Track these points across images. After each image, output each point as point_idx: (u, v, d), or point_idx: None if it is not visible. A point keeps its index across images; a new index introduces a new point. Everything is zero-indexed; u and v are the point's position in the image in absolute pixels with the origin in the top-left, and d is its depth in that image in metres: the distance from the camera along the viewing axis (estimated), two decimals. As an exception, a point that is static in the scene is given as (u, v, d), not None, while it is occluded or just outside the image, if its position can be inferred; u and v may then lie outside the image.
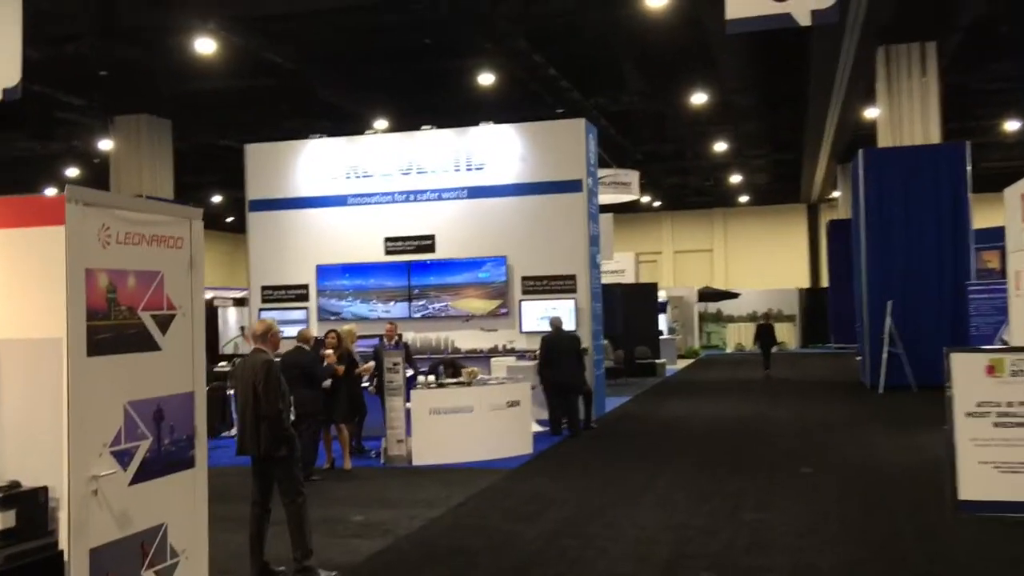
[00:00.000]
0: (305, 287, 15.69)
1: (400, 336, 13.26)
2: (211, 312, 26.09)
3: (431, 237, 15.28)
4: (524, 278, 14.88)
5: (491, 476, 9.92)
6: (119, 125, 22.60)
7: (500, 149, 15.11)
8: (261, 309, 15.89)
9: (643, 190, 36.39)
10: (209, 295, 26.98)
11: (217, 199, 34.87)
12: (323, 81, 20.02)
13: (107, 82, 20.71)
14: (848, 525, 7.58)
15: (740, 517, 7.88)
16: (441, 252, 15.22)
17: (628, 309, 23.57)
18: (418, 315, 15.21)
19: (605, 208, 25.93)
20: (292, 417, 6.56)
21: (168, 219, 4.72)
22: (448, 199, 15.26)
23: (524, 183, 14.98)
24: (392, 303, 15.30)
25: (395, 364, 10.82)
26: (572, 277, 14.70)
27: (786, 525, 7.55)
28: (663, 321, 28.73)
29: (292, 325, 15.25)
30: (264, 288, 15.93)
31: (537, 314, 14.63)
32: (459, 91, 20.79)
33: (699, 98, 22.99)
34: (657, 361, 23.88)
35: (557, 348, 12.97)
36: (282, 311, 15.71)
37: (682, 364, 27.69)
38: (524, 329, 14.79)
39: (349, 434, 11.61)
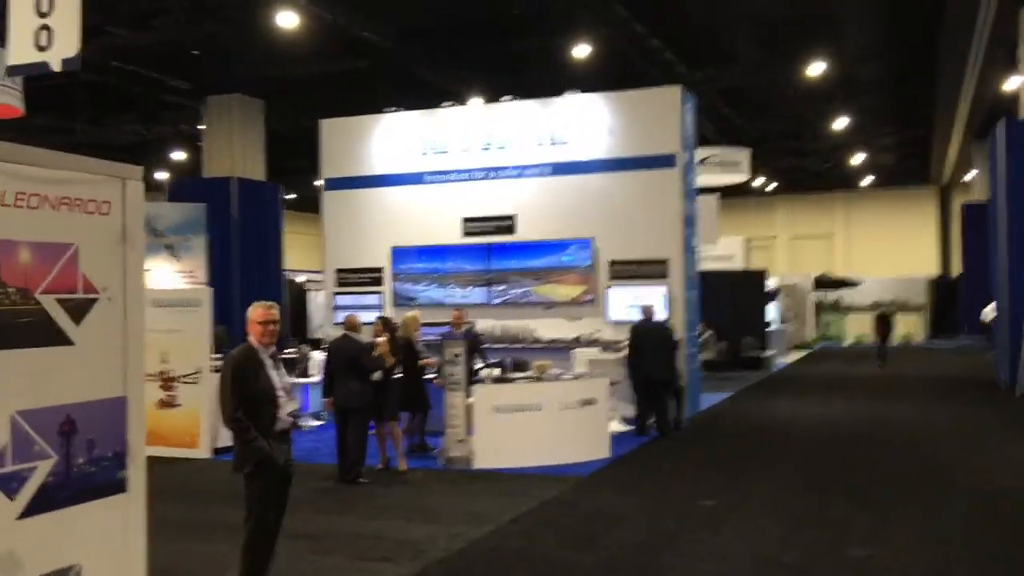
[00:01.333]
0: (379, 270, 14.84)
1: (472, 324, 12.17)
2: (301, 296, 25.82)
3: (511, 217, 14.16)
4: (612, 262, 13.61)
5: (557, 485, 8.76)
6: (211, 106, 22.32)
7: (586, 122, 13.84)
8: (336, 293, 15.14)
9: (756, 172, 34.30)
10: (302, 278, 26.72)
11: (320, 183, 34.68)
12: (414, 58, 19.15)
13: (199, 62, 20.44)
14: (983, 568, 6.10)
15: (844, 552, 6.49)
16: (522, 233, 14.09)
17: (733, 297, 21.92)
18: (497, 301, 14.14)
19: (712, 189, 24.38)
20: (295, 420, 5.49)
21: (86, 177, 3.73)
22: (530, 176, 14.10)
23: (612, 158, 13.68)
24: (470, 288, 14.28)
25: (456, 355, 9.76)
26: (664, 261, 13.33)
27: (902, 566, 6.13)
28: (773, 311, 26.84)
29: (367, 311, 14.48)
30: (339, 271, 15.15)
31: (625, 302, 13.34)
32: (555, 65, 19.54)
33: (817, 68, 20.97)
34: (764, 354, 22.17)
35: (647, 339, 11.69)
36: (356, 295, 14.93)
37: (793, 357, 25.82)
38: (610, 318, 13.53)
39: (411, 431, 10.70)
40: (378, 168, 14.90)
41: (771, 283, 26.99)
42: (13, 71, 9.36)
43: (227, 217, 20.95)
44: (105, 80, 20.63)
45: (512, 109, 14.29)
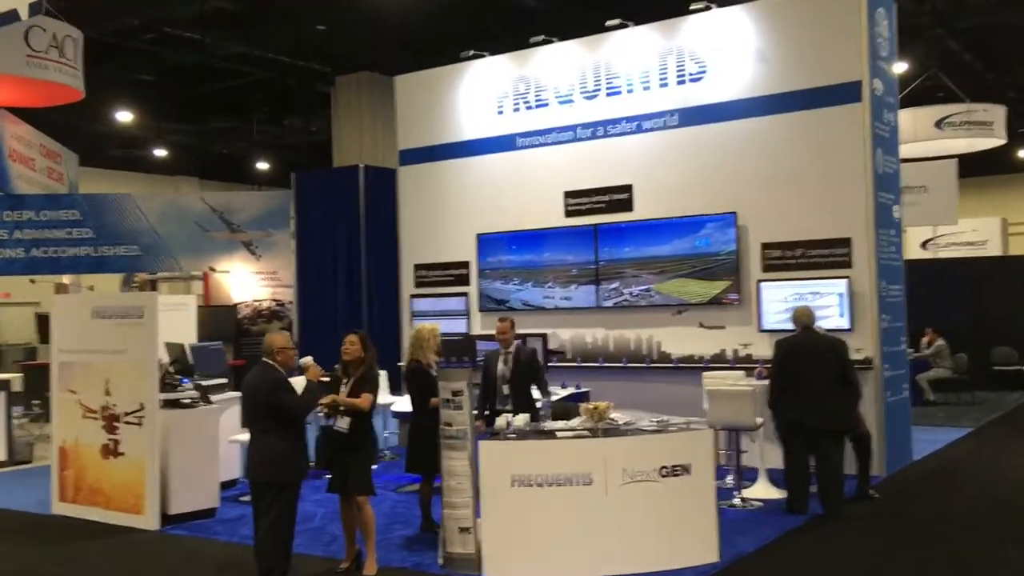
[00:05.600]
0: (466, 265, 11.45)
1: (522, 341, 8.33)
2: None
3: (627, 188, 10.30)
4: (765, 246, 9.43)
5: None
6: (339, 88, 20.03)
7: (727, 47, 9.72)
8: (413, 296, 11.92)
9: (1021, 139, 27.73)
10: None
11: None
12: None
13: (324, 37, 18.11)
14: None
15: None
16: (641, 210, 10.21)
17: (980, 294, 16.57)
18: (609, 303, 10.33)
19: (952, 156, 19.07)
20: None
21: None
22: (651, 130, 10.16)
23: (765, 96, 9.47)
24: (574, 287, 10.56)
25: (455, 394, 6.14)
26: (844, 242, 8.99)
27: None
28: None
29: (451, 319, 11.25)
30: (417, 268, 11.93)
31: (786, 302, 9.14)
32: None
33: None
34: (1028, 368, 16.59)
35: (801, 361, 7.51)
36: (436, 299, 11.65)
37: (1073, 371, 19.64)
38: (765, 326, 9.35)
39: (426, 496, 7.25)
40: (460, 132, 11.52)
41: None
42: (-13, 23, 7.49)
43: (354, 211, 18.50)
44: (271, 77, 19.02)
45: (624, 39, 10.40)
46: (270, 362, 5.73)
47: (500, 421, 6.27)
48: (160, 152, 25.19)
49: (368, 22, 16.25)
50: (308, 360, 5.91)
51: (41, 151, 14.86)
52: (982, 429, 11.96)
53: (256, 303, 13.84)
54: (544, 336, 9.29)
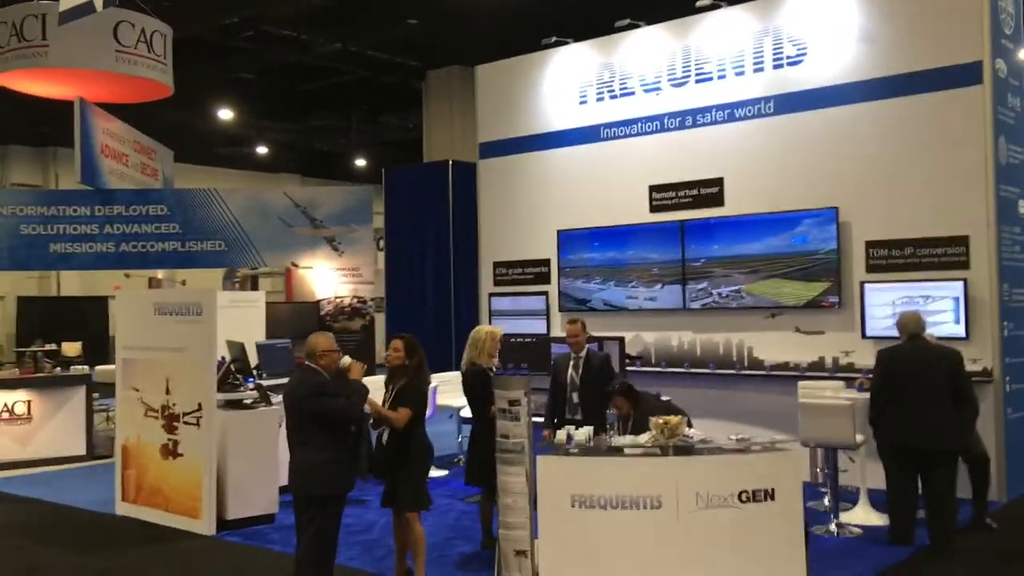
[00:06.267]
0: (546, 263, 10.93)
1: (598, 345, 7.80)
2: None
3: (717, 182, 9.58)
4: (870, 244, 8.59)
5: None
6: (431, 82, 19.76)
7: (829, 26, 8.90)
8: (492, 294, 11.47)
9: None
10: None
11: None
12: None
13: (416, 31, 17.87)
14: None
15: None
16: (732, 205, 9.47)
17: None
18: (696, 305, 9.63)
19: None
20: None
21: None
22: (744, 118, 9.41)
23: (870, 80, 8.62)
24: (659, 287, 9.91)
25: (512, 404, 5.63)
26: (961, 240, 8.09)
27: None
28: None
29: (529, 319, 10.79)
30: (496, 265, 11.47)
31: (893, 307, 8.30)
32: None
33: None
34: None
35: (906, 375, 6.71)
36: (516, 297, 11.18)
37: None
38: (869, 332, 8.50)
39: (486, 511, 6.78)
40: (542, 124, 11.00)
41: None
42: (65, 17, 8.26)
43: (443, 207, 18.17)
44: (368, 76, 19.05)
45: (716, 21, 9.68)
46: (313, 366, 5.34)
47: (560, 434, 5.72)
48: (262, 150, 25.51)
49: (457, 15, 15.94)
50: (348, 359, 5.52)
51: (135, 147, 15.00)
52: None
53: (338, 300, 13.60)
54: (621, 339, 8.68)
